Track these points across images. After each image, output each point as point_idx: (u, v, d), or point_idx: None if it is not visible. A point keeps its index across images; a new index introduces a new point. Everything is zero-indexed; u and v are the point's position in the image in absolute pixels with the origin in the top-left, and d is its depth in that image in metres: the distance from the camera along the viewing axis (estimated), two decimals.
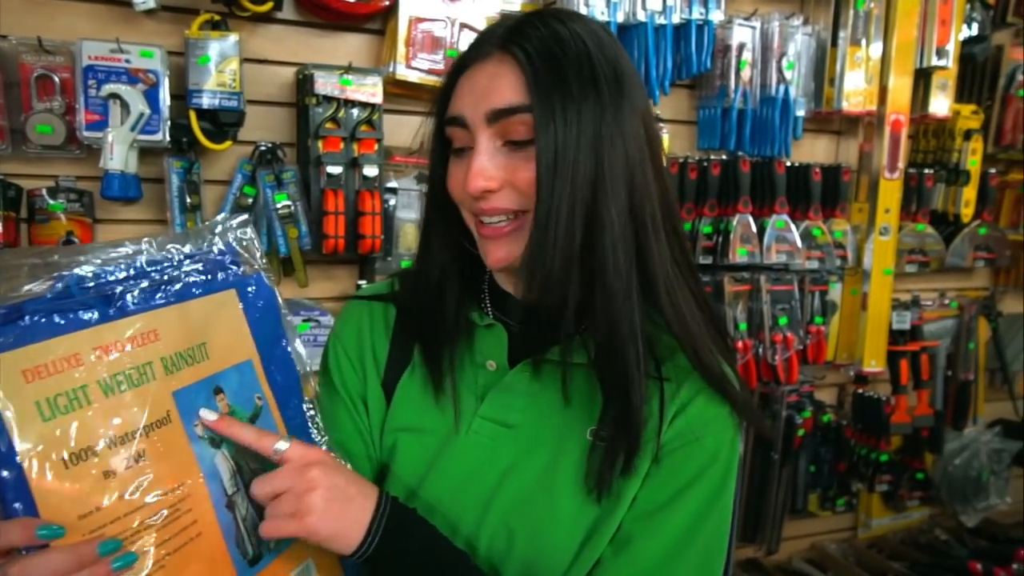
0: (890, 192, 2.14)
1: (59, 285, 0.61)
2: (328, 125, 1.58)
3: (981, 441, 2.47)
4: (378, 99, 1.61)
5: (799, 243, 2.03)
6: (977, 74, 2.35)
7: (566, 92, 0.69)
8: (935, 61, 2.12)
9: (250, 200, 1.58)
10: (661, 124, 1.91)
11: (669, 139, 1.91)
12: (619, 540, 0.76)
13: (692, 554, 0.75)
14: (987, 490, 2.50)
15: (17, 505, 0.55)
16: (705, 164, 1.96)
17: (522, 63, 0.71)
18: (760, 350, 2.01)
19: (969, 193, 2.30)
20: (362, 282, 1.71)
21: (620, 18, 1.75)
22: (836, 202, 2.11)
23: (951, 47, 2.13)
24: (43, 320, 0.58)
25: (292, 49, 1.63)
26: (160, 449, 0.63)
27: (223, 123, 1.49)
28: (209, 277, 0.72)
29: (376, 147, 1.63)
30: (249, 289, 0.75)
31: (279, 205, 1.56)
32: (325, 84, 1.56)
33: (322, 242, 1.59)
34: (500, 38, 0.73)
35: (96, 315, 0.62)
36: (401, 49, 1.62)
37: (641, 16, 1.77)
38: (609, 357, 0.73)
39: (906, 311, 2.26)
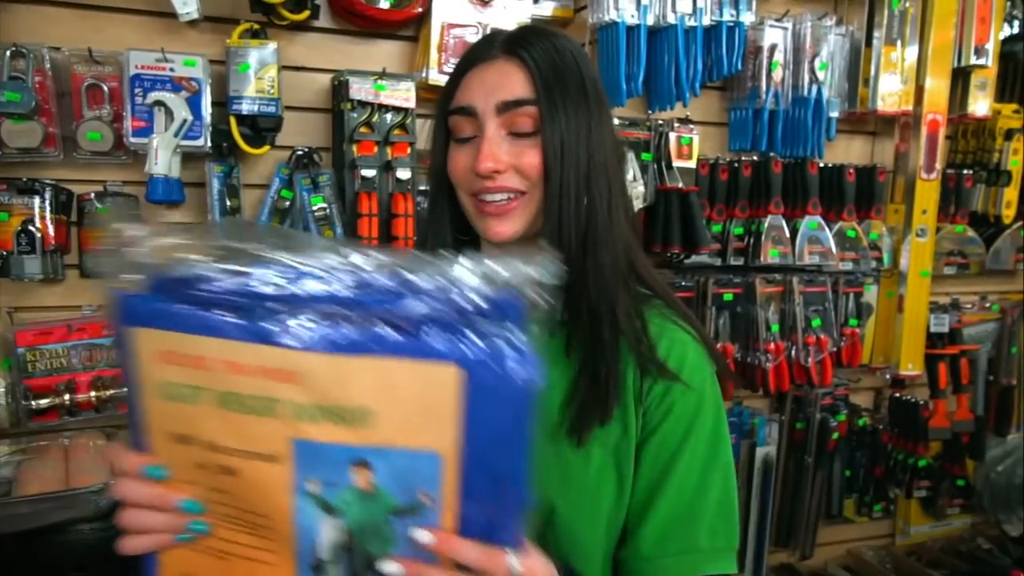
0: (927, 193, 2.11)
1: (234, 281, 0.54)
2: (362, 129, 1.62)
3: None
4: (411, 104, 1.64)
5: (832, 244, 2.02)
6: (1019, 73, 2.30)
7: (566, 93, 0.82)
8: (974, 60, 2.09)
9: (287, 203, 1.62)
10: (692, 125, 1.91)
11: (699, 141, 1.91)
12: (637, 503, 0.83)
13: (712, 495, 0.82)
14: None
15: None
16: (736, 165, 1.96)
17: (529, 65, 0.82)
18: (793, 352, 2.00)
19: (1010, 194, 2.25)
20: None
21: (651, 20, 1.76)
22: (871, 204, 2.09)
23: (991, 46, 2.10)
24: (192, 313, 0.55)
25: (328, 56, 1.68)
26: (256, 478, 0.58)
27: (262, 128, 1.55)
28: (427, 333, 0.53)
29: (409, 150, 1.67)
30: (489, 374, 0.53)
31: (315, 208, 1.61)
32: (359, 89, 1.60)
33: (356, 243, 1.63)
34: (504, 43, 0.85)
35: (243, 330, 0.54)
36: (434, 55, 1.66)
37: (671, 18, 1.78)
38: (592, 317, 0.82)
39: (944, 314, 2.23)
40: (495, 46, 0.85)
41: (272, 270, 0.54)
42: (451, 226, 0.91)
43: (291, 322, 0.53)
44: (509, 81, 0.82)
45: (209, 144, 1.51)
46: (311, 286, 0.53)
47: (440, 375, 0.53)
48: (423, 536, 0.58)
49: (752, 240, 1.98)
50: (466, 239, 0.92)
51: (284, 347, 0.53)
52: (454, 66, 0.90)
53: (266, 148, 1.57)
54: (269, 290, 0.53)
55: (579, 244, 0.82)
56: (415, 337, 0.53)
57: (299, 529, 0.58)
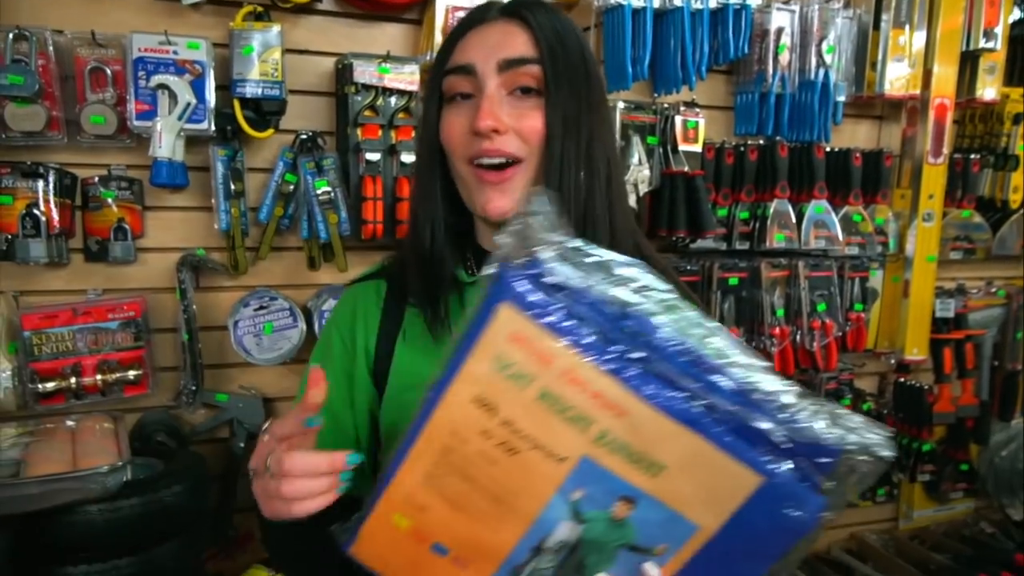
0: (934, 178, 2.10)
1: (614, 312, 0.59)
2: (367, 113, 1.61)
3: None
4: (415, 87, 1.63)
5: (838, 229, 2.01)
6: None
7: (568, 59, 0.79)
8: (983, 43, 2.07)
9: (291, 187, 1.62)
10: (697, 109, 1.90)
11: (705, 124, 1.90)
12: None
13: None
14: None
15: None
16: (742, 149, 1.95)
17: (532, 27, 0.80)
18: (798, 336, 1.99)
19: (1018, 179, 2.24)
20: None
21: (656, 3, 1.75)
22: (877, 188, 2.08)
23: (1000, 29, 2.08)
24: (562, 318, 0.59)
25: (332, 39, 1.67)
26: (533, 466, 0.63)
27: (266, 112, 1.54)
28: (752, 440, 0.59)
29: (414, 134, 1.66)
30: (779, 496, 0.60)
31: (319, 192, 1.60)
32: (364, 73, 1.59)
33: (361, 227, 1.63)
34: (505, 7, 0.83)
35: (601, 355, 0.59)
36: (438, 37, 1.65)
37: (678, 1, 1.76)
38: None
39: (950, 299, 2.22)
40: (493, 10, 0.83)
41: (668, 331, 0.59)
42: (443, 204, 0.86)
43: (647, 370, 0.59)
44: (512, 40, 0.80)
45: (213, 128, 1.51)
46: (678, 349, 0.59)
47: (742, 477, 0.59)
48: (652, 570, 0.64)
49: (758, 224, 1.98)
50: (455, 220, 0.87)
51: (630, 389, 0.59)
52: (455, 28, 0.85)
53: (270, 132, 1.57)
54: (653, 331, 0.59)
55: (578, 220, 0.79)
56: (743, 441, 0.59)
57: (542, 518, 0.64)
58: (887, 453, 0.58)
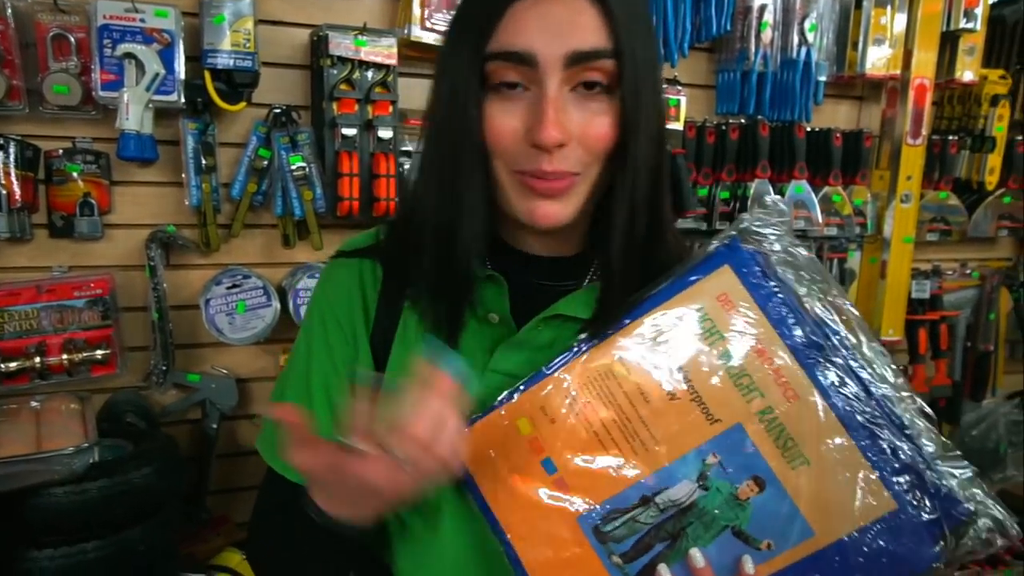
0: (912, 159, 2.10)
1: (816, 319, 0.65)
2: (342, 87, 1.57)
3: (1000, 413, 2.44)
4: (393, 60, 1.59)
5: (818, 210, 2.01)
6: (1006, 38, 2.28)
7: (646, 48, 0.67)
8: (963, 24, 2.06)
9: (265, 162, 1.58)
10: (679, 87, 1.88)
11: (687, 103, 1.88)
12: None
13: None
14: (1004, 462, 2.47)
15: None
16: (723, 128, 1.93)
17: (607, 2, 0.64)
18: None
19: (994, 160, 2.25)
20: None
21: None
22: (857, 169, 2.08)
23: (980, 10, 2.07)
24: (773, 298, 0.65)
25: (306, 10, 1.61)
26: (686, 419, 0.65)
27: (238, 84, 1.49)
28: (898, 468, 0.62)
29: (391, 109, 1.62)
30: (903, 524, 0.62)
31: (294, 167, 1.56)
32: (339, 45, 1.55)
33: (337, 204, 1.59)
34: None
35: (795, 344, 0.64)
36: (416, 10, 1.60)
37: None
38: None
39: (926, 280, 2.23)
40: None
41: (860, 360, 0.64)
42: (483, 209, 0.71)
43: (830, 374, 0.63)
44: (583, 23, 0.64)
45: (183, 99, 1.46)
46: (865, 376, 0.64)
47: (878, 497, 0.62)
48: (748, 565, 0.63)
49: (738, 205, 1.97)
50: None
51: (811, 379, 0.63)
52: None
53: (242, 105, 1.52)
54: (839, 344, 0.64)
55: (646, 238, 0.71)
56: (891, 466, 0.62)
57: (668, 470, 0.65)
58: (1014, 532, 0.61)
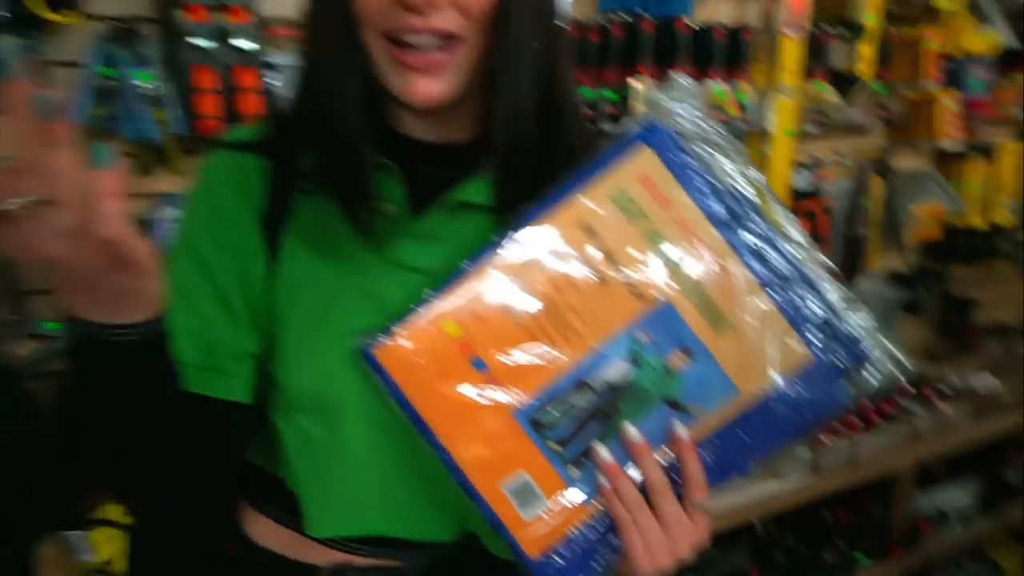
0: (791, 51, 2.12)
1: (731, 184, 0.68)
2: None
3: (871, 292, 2.60)
4: None
5: (703, 106, 2.01)
6: None
7: None
8: None
9: (113, 83, 1.41)
10: None
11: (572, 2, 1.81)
12: None
13: None
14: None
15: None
16: (607, 26, 1.88)
17: None
18: None
19: (867, 50, 2.30)
20: None
21: None
22: (739, 64, 2.08)
23: None
24: (691, 171, 0.67)
25: None
26: (614, 300, 0.67)
27: None
28: (811, 326, 0.68)
29: (251, 18, 1.48)
30: (822, 375, 0.68)
31: (143, 85, 1.41)
32: None
33: (196, 124, 1.46)
34: None
35: (714, 212, 0.67)
36: None
37: None
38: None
39: (807, 170, 2.30)
40: None
41: (780, 217, 0.68)
42: (361, 83, 0.68)
43: (748, 240, 0.67)
44: None
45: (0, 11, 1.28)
46: (776, 238, 0.68)
47: (797, 352, 0.67)
48: (679, 429, 0.66)
49: (624, 105, 1.94)
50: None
51: (733, 248, 0.67)
52: None
53: (74, 17, 1.35)
54: (752, 211, 0.67)
55: (540, 119, 0.69)
56: (804, 319, 0.67)
57: (600, 352, 0.66)
58: (908, 368, 0.68)
